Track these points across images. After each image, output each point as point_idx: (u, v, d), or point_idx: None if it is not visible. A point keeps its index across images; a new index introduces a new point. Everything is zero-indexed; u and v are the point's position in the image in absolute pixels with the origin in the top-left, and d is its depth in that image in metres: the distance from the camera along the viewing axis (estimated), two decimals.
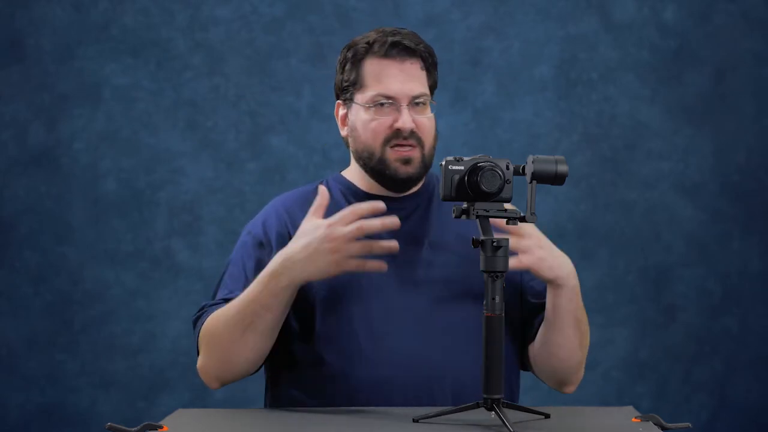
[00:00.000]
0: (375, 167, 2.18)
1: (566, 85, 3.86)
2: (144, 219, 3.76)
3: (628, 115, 3.88)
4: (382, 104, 2.16)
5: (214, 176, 3.77)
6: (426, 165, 2.20)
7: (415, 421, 1.90)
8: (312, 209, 2.05)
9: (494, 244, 1.85)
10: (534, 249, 2.05)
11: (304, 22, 3.78)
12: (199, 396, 3.72)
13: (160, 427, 1.87)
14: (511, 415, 1.87)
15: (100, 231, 3.74)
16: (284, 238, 2.17)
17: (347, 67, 2.20)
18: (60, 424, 3.73)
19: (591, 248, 3.87)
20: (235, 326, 2.07)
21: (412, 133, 2.16)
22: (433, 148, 2.22)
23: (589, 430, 1.91)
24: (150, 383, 3.75)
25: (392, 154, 2.17)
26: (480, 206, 1.90)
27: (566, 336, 2.14)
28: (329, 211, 2.12)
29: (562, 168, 1.90)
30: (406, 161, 2.17)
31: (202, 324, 2.13)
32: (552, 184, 1.92)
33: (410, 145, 2.16)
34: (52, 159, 3.73)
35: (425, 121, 2.19)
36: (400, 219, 2.12)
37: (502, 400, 1.86)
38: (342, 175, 2.28)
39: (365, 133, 2.18)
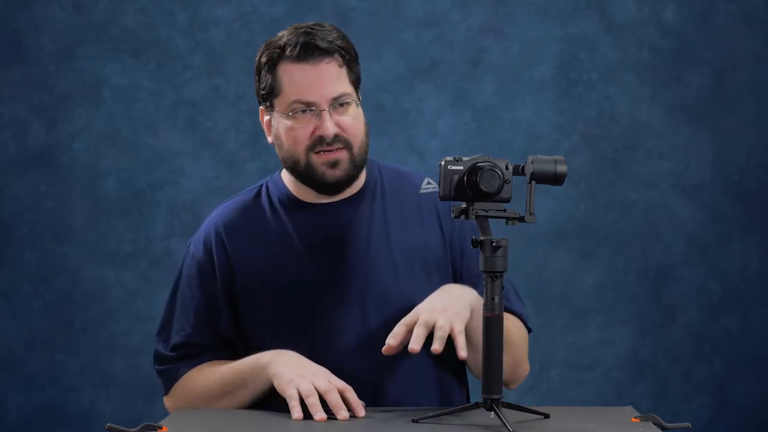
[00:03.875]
0: (303, 173, 2.13)
1: (566, 85, 3.86)
2: (144, 219, 3.75)
3: (628, 115, 3.87)
4: (303, 111, 2.09)
5: (214, 176, 3.77)
6: (357, 165, 2.13)
7: (414, 421, 1.90)
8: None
9: (493, 244, 1.85)
10: (450, 317, 2.00)
11: (303, 22, 3.77)
12: None
13: (160, 427, 1.87)
14: (511, 415, 1.87)
15: (100, 231, 3.74)
16: (224, 264, 2.17)
17: (263, 73, 2.14)
18: (60, 424, 3.73)
19: (591, 248, 3.87)
20: (215, 391, 2.13)
21: (337, 137, 2.09)
22: (365, 144, 2.14)
23: (589, 430, 1.91)
24: (150, 383, 3.73)
25: (318, 159, 2.10)
26: (479, 206, 1.90)
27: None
28: (269, 221, 2.16)
29: (562, 168, 1.90)
30: (333, 164, 2.10)
31: (176, 379, 2.18)
32: (551, 184, 1.91)
33: (336, 148, 2.10)
34: (52, 159, 3.73)
35: (349, 121, 2.11)
36: (339, 224, 2.14)
37: (501, 400, 1.86)
38: (281, 178, 2.22)
39: (288, 142, 2.11)
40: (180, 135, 3.77)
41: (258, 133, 3.76)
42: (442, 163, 1.91)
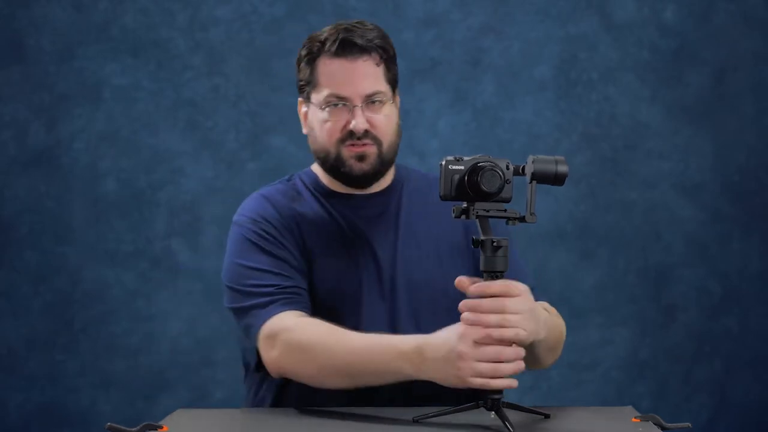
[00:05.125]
0: (332, 164, 2.17)
1: (566, 85, 3.86)
2: (144, 219, 3.76)
3: (628, 115, 3.88)
4: (335, 105, 2.15)
5: (214, 176, 3.77)
6: (384, 161, 2.18)
7: (415, 421, 1.90)
8: None
9: (494, 244, 1.85)
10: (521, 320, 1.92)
11: (304, 22, 3.78)
12: (199, 396, 3.72)
13: (160, 427, 1.87)
14: (511, 415, 1.87)
15: (100, 231, 3.74)
16: (289, 229, 2.15)
17: (302, 65, 2.20)
18: (60, 424, 3.73)
19: (591, 248, 3.87)
20: (340, 369, 2.02)
21: (367, 133, 2.15)
22: (395, 143, 2.20)
23: (589, 430, 1.91)
24: (150, 383, 3.74)
25: (347, 152, 2.16)
26: (480, 206, 1.90)
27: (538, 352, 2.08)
28: (303, 208, 2.18)
29: (562, 168, 1.90)
30: (361, 157, 2.16)
31: (290, 328, 2.04)
32: (552, 185, 1.91)
33: (365, 144, 2.16)
34: (52, 159, 3.73)
35: (381, 119, 2.17)
36: (370, 214, 2.17)
37: (502, 400, 1.86)
38: (311, 170, 2.28)
39: (321, 133, 2.17)
40: (180, 135, 3.77)
41: (258, 133, 3.78)
42: (443, 162, 1.91)
